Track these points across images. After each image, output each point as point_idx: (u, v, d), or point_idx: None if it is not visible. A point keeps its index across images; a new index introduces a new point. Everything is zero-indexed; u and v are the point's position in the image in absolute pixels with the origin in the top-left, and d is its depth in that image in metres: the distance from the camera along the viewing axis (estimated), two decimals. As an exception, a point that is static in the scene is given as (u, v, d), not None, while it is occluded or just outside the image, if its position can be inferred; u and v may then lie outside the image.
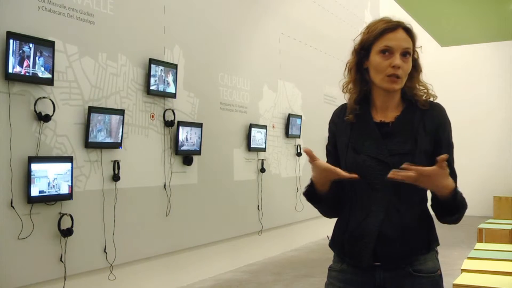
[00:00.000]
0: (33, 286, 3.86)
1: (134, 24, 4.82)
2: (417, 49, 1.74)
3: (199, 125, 5.49)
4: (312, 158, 1.62)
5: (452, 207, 1.59)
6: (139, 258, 4.84)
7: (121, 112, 4.51)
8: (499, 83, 11.16)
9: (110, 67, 4.53)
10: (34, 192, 3.75)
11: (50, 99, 3.95)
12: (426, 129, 1.69)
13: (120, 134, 4.48)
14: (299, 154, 7.73)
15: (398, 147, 1.67)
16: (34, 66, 3.76)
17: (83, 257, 4.22)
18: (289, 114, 7.45)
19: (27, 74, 3.72)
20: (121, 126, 4.48)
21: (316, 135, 7.49)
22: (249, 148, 6.48)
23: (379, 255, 1.66)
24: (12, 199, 3.67)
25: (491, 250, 4.60)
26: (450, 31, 8.91)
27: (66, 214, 4.01)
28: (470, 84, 11.32)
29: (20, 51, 3.67)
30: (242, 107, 6.45)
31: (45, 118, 3.88)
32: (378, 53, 1.68)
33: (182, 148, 5.26)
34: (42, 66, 3.82)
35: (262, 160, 6.78)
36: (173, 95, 5.18)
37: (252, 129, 6.49)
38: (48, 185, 3.85)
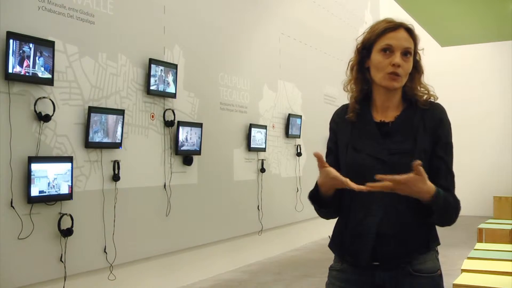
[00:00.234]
0: (33, 286, 3.86)
1: (134, 24, 4.82)
2: (419, 51, 1.74)
3: (199, 125, 5.49)
4: (322, 164, 1.61)
5: (437, 210, 1.59)
6: (139, 258, 4.85)
7: (121, 112, 4.51)
8: (499, 83, 11.15)
9: (110, 67, 4.54)
10: (34, 192, 3.75)
11: (50, 99, 3.95)
12: (426, 128, 1.69)
13: (119, 134, 4.48)
14: (299, 154, 7.72)
15: (398, 146, 1.67)
16: (34, 66, 3.76)
17: (83, 257, 4.22)
18: (289, 114, 7.44)
19: (27, 74, 3.72)
20: (119, 126, 4.48)
21: (316, 135, 7.50)
22: (249, 148, 6.48)
23: (378, 254, 1.66)
24: (12, 199, 3.68)
25: (491, 250, 4.60)
26: (450, 31, 8.91)
27: (66, 214, 4.02)
28: (470, 84, 11.31)
29: (20, 51, 3.67)
30: (242, 107, 6.45)
31: (45, 118, 3.88)
32: (379, 52, 1.69)
33: (182, 148, 5.26)
34: (42, 66, 3.82)
35: (262, 160, 6.78)
36: (173, 95, 5.18)
37: (252, 129, 6.49)
38: (48, 185, 3.85)
